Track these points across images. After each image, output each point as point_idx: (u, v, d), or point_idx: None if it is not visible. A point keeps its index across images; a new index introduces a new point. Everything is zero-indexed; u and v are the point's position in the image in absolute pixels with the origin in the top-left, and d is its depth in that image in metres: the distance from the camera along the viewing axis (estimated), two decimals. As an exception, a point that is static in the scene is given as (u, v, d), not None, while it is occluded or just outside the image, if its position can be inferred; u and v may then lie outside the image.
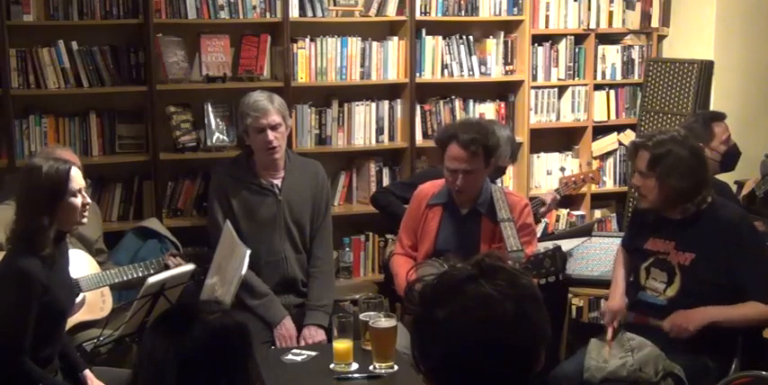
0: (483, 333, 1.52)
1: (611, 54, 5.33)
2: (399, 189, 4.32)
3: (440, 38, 4.96)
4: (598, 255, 4.33)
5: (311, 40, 4.72)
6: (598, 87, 5.33)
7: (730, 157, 4.17)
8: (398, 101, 4.94)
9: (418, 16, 4.84)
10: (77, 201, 2.90)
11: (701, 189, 3.23)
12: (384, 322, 3.04)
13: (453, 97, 5.06)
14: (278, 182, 3.94)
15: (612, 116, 5.38)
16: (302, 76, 4.72)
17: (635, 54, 5.36)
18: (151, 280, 3.08)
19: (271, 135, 3.81)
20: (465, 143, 3.47)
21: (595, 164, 5.32)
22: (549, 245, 3.40)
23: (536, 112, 5.20)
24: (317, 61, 4.74)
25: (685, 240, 3.24)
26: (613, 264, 3.65)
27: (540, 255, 3.24)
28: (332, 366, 3.06)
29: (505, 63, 5.11)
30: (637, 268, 3.38)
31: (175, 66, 4.48)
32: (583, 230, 4.63)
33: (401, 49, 4.87)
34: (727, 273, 3.17)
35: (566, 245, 3.88)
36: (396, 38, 4.87)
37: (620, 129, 5.40)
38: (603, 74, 5.33)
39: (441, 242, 3.64)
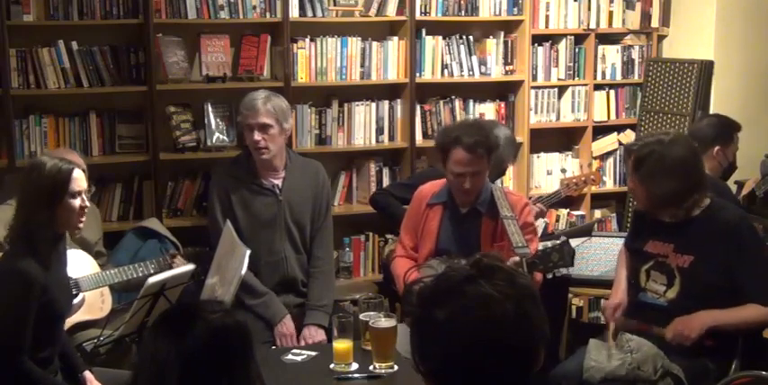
0: (483, 333, 1.52)
1: (611, 54, 5.33)
2: (398, 190, 4.32)
3: (440, 38, 4.96)
4: (598, 255, 4.33)
5: (311, 40, 4.72)
6: (598, 87, 5.33)
7: (730, 168, 4.21)
8: (398, 101, 4.94)
9: (418, 16, 4.85)
10: (76, 202, 2.89)
11: (690, 193, 3.21)
12: (384, 322, 3.04)
13: (453, 97, 5.06)
14: (278, 182, 3.94)
15: (612, 116, 5.39)
16: (302, 76, 4.72)
17: (635, 54, 5.36)
18: (151, 280, 3.08)
19: (257, 135, 3.82)
20: (470, 147, 3.48)
21: (595, 164, 5.32)
22: (558, 241, 3.39)
23: (536, 112, 5.20)
24: (317, 61, 4.74)
25: (684, 243, 3.23)
26: (616, 263, 3.65)
27: (547, 249, 3.24)
28: (332, 366, 3.06)
29: (505, 63, 5.11)
30: (637, 270, 3.38)
31: (175, 66, 4.48)
32: (583, 230, 4.63)
33: (401, 49, 4.87)
34: (727, 275, 3.16)
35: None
36: (396, 38, 4.88)
37: (620, 129, 5.40)
38: (603, 74, 5.33)
39: (442, 241, 3.64)
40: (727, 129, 4.15)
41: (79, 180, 2.90)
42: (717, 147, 4.05)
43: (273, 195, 3.93)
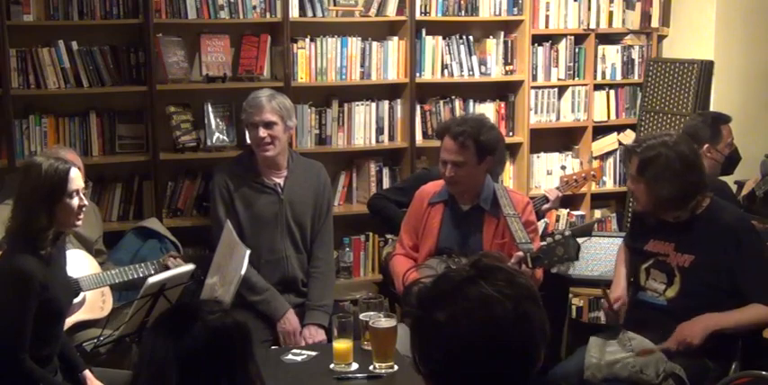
0: (484, 334, 1.52)
1: (611, 54, 5.33)
2: (393, 194, 4.34)
3: (440, 38, 4.96)
4: (598, 255, 4.33)
5: (311, 40, 4.72)
6: (598, 87, 5.33)
7: (731, 161, 4.18)
8: (398, 101, 4.94)
9: (418, 16, 4.84)
10: (74, 202, 2.88)
11: (694, 194, 3.20)
12: (384, 322, 3.04)
13: (453, 97, 5.06)
14: (280, 181, 3.96)
15: (612, 116, 5.38)
16: (302, 76, 4.72)
17: (635, 54, 5.36)
18: (151, 280, 3.08)
19: (262, 132, 3.84)
20: (455, 135, 3.51)
21: (595, 164, 5.32)
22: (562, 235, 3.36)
23: (536, 112, 5.20)
24: (317, 61, 4.74)
25: (685, 242, 3.23)
26: (615, 261, 3.65)
27: (552, 243, 3.21)
28: (332, 366, 3.06)
29: (505, 63, 5.11)
30: (637, 269, 3.38)
31: (175, 66, 4.48)
32: (583, 230, 4.62)
33: (401, 49, 4.87)
34: (727, 275, 3.16)
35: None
36: (396, 38, 4.88)
37: (620, 129, 5.40)
38: (603, 74, 5.33)
39: (443, 239, 3.64)
40: (711, 126, 4.12)
41: (76, 179, 2.90)
42: (705, 146, 4.04)
43: (275, 194, 3.94)
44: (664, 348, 3.11)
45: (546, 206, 4.42)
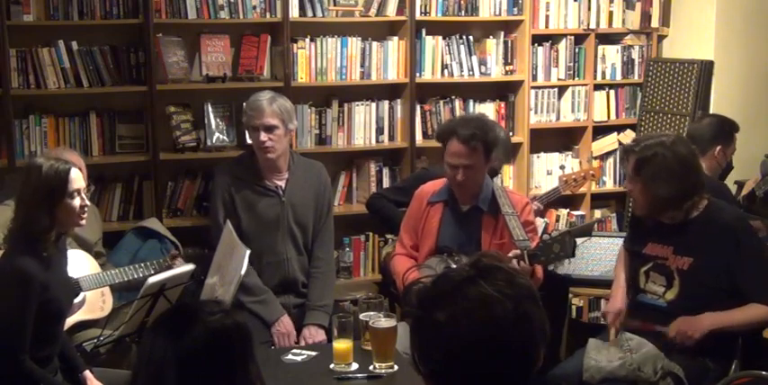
0: (484, 334, 1.52)
1: (611, 54, 5.33)
2: (392, 193, 4.35)
3: (440, 38, 4.96)
4: (598, 254, 4.33)
5: (311, 40, 4.72)
6: (598, 87, 5.33)
7: (728, 168, 4.21)
8: (398, 101, 4.94)
9: (418, 16, 4.85)
10: (75, 202, 2.88)
11: (692, 195, 3.20)
12: (384, 322, 3.04)
13: (453, 97, 5.06)
14: (282, 183, 3.95)
15: (612, 116, 5.38)
16: (302, 76, 4.72)
17: (635, 54, 5.36)
18: (151, 280, 3.08)
19: (263, 136, 3.83)
20: (465, 138, 3.49)
21: (595, 164, 5.32)
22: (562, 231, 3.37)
23: (536, 112, 5.20)
24: (317, 61, 4.74)
25: (683, 245, 3.23)
26: (615, 264, 3.65)
27: (548, 240, 3.22)
28: (332, 366, 3.06)
29: (505, 63, 5.11)
30: (636, 271, 3.37)
31: (175, 66, 4.49)
32: (583, 230, 4.62)
33: (401, 49, 4.87)
34: (727, 276, 3.15)
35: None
36: (396, 38, 4.88)
37: (620, 129, 5.39)
38: (603, 74, 5.33)
39: (443, 239, 3.64)
40: (727, 129, 4.15)
41: (77, 179, 2.90)
42: (718, 147, 4.05)
43: (277, 196, 3.93)
44: (664, 332, 3.11)
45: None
